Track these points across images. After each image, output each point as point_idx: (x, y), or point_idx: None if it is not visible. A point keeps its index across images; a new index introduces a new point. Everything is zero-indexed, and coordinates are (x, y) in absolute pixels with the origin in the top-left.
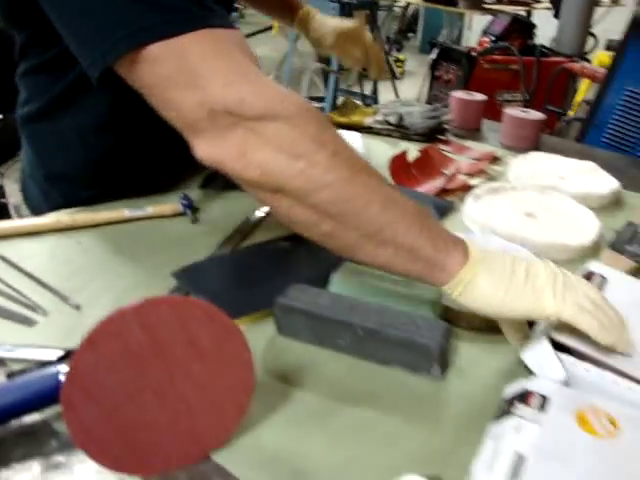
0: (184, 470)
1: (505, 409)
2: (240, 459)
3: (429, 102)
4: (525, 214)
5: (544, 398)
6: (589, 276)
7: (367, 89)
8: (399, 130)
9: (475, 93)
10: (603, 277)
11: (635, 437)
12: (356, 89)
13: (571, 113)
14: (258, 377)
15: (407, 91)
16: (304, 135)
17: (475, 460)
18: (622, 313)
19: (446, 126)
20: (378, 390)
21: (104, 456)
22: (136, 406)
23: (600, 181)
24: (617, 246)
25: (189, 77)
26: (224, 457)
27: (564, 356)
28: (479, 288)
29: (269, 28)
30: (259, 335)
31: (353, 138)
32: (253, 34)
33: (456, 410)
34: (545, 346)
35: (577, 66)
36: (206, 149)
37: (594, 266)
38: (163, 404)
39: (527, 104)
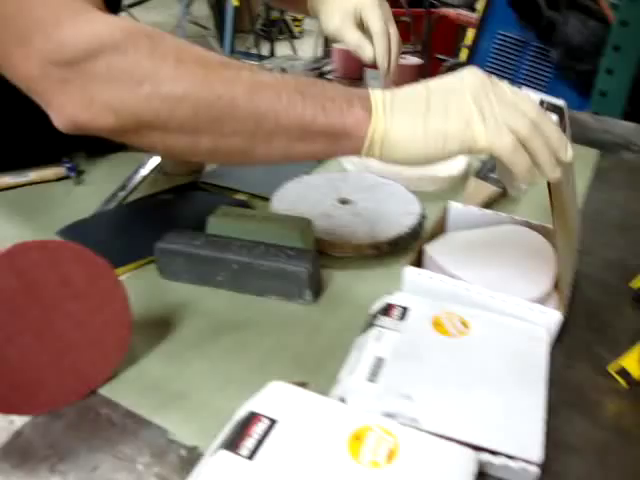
0: (72, 406)
1: (369, 322)
2: (125, 389)
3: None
4: None
5: (404, 309)
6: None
7: (265, 50)
8: None
9: None
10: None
11: (483, 332)
12: (254, 51)
13: (461, 59)
14: (142, 317)
15: (307, 50)
16: (138, 57)
17: (341, 368)
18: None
19: (329, 77)
20: (255, 317)
21: None
22: (16, 348)
23: None
24: (481, 174)
25: (13, 29)
26: (109, 390)
27: (422, 271)
28: (395, 137)
29: None
30: (144, 281)
31: None
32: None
33: (327, 329)
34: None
35: (453, 13)
36: (58, 115)
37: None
38: (43, 344)
39: (419, 55)
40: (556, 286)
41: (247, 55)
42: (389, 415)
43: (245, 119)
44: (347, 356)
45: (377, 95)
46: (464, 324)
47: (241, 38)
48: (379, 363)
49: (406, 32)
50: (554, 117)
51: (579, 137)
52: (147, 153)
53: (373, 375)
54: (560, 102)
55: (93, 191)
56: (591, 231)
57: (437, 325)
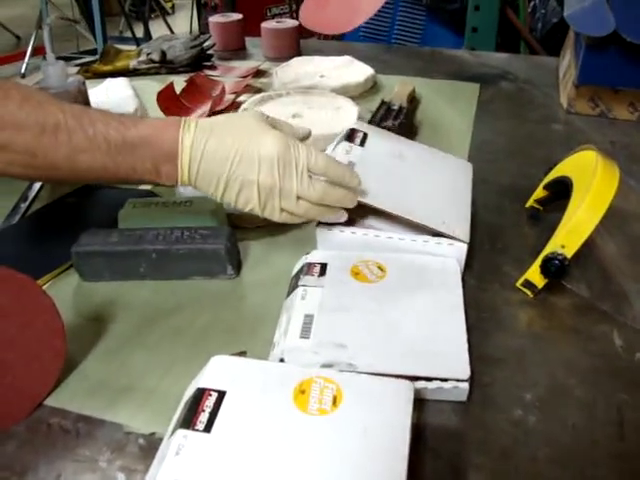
0: (20, 423)
1: (293, 284)
2: (71, 395)
3: (202, 32)
4: (292, 116)
5: (323, 265)
6: (352, 134)
7: (139, 32)
8: (165, 66)
9: (232, 14)
10: (365, 133)
11: (399, 273)
12: (128, 34)
13: None
14: (73, 323)
15: (182, 25)
16: None
17: (274, 332)
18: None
19: (211, 52)
20: (183, 300)
21: None
22: None
23: (356, 71)
24: (373, 124)
25: None
26: (56, 399)
27: (332, 227)
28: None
29: None
30: (65, 287)
31: (121, 83)
32: None
33: (254, 299)
34: None
35: None
36: None
37: (357, 125)
38: None
39: (295, 15)
40: None
41: (122, 40)
42: (327, 365)
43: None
44: (278, 320)
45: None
46: (381, 268)
47: (112, 22)
48: (309, 320)
49: None
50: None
51: (459, 74)
52: None
53: (305, 332)
54: (355, 125)
55: None
56: (483, 161)
57: (356, 274)
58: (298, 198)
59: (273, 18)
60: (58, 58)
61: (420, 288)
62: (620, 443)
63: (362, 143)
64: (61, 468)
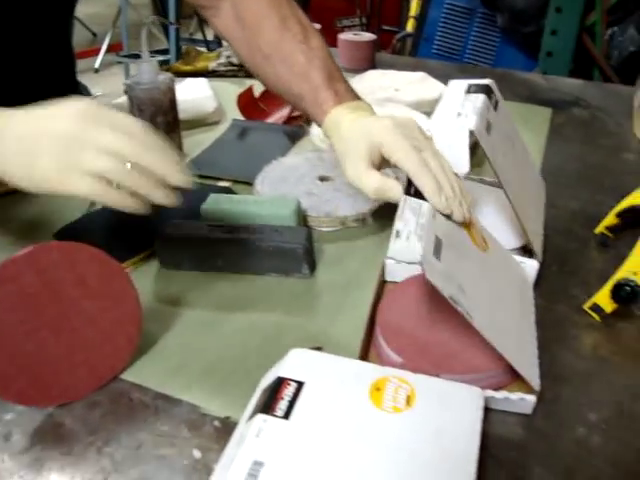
0: (105, 394)
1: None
2: (150, 374)
3: None
4: None
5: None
6: (488, 90)
7: (210, 35)
8: (242, 69)
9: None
10: (497, 99)
11: (499, 254)
12: (199, 36)
13: (409, 30)
14: (151, 307)
15: None
16: None
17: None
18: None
19: None
20: (258, 296)
21: (8, 391)
22: (35, 343)
23: (430, 87)
24: None
25: None
26: (137, 375)
27: None
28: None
29: None
30: (146, 273)
31: (201, 84)
32: None
33: (326, 299)
34: (463, 137)
35: None
36: None
37: (493, 85)
38: (59, 340)
39: (365, 27)
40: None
41: (192, 41)
42: (454, 300)
43: None
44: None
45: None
46: (485, 240)
47: (183, 24)
48: (439, 243)
49: (351, 5)
50: (481, 97)
51: (531, 97)
52: None
53: (437, 253)
54: (487, 81)
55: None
56: (554, 185)
57: (469, 230)
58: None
59: (343, 29)
60: (130, 56)
61: (512, 283)
62: None
63: (495, 107)
64: (142, 440)
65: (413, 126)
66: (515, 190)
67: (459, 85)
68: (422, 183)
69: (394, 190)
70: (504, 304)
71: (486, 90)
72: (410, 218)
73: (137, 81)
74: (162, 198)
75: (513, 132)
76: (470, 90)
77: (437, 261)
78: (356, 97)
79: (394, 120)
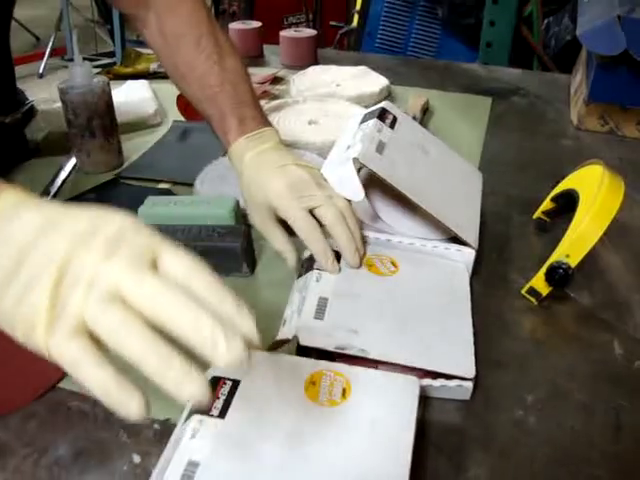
0: (42, 404)
1: (306, 266)
2: None
3: None
4: (308, 122)
5: (337, 253)
6: (383, 113)
7: None
8: None
9: (251, 22)
10: (394, 116)
11: (411, 270)
12: None
13: (354, 25)
14: None
15: None
16: None
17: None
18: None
19: None
20: None
21: None
22: None
23: (372, 81)
24: None
25: None
26: (75, 384)
27: None
28: None
29: None
30: None
31: (141, 86)
32: None
33: (267, 297)
34: (348, 167)
35: None
36: None
37: (388, 105)
38: None
39: (312, 24)
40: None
41: (139, 43)
42: (340, 348)
43: None
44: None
45: None
46: (394, 264)
47: (129, 27)
48: (323, 302)
49: (297, 2)
50: (371, 122)
51: (472, 87)
52: (62, 156)
53: (320, 313)
54: (382, 104)
55: None
56: (494, 172)
57: (370, 266)
58: None
59: (290, 27)
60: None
61: (430, 287)
62: (616, 445)
63: (392, 125)
64: (80, 448)
65: (308, 181)
66: (430, 192)
67: (357, 118)
68: (312, 248)
69: (288, 260)
70: (419, 311)
71: (379, 114)
72: (295, 299)
73: (71, 85)
74: None
75: (425, 139)
76: (365, 119)
77: (318, 322)
78: (264, 123)
79: (288, 179)
